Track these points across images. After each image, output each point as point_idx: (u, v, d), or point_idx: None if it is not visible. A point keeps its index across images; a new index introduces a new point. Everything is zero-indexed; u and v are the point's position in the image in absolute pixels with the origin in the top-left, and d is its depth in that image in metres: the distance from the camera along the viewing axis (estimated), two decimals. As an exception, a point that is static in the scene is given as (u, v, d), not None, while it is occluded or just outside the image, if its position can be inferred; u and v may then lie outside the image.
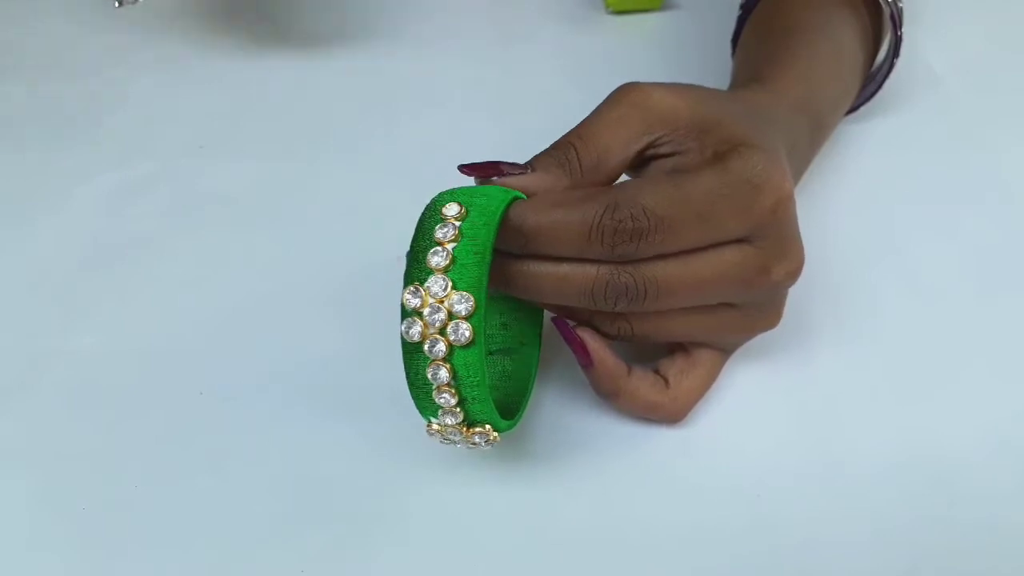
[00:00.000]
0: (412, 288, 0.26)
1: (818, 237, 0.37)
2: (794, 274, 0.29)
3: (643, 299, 0.28)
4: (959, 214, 0.40)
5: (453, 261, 0.26)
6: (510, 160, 0.29)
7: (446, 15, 0.54)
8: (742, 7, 0.42)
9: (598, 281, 0.28)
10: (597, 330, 0.30)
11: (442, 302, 0.26)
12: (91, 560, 0.30)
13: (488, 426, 0.27)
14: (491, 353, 0.33)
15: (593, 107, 0.30)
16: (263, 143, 0.46)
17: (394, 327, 0.35)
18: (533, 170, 0.29)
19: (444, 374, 0.26)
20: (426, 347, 0.26)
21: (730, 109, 0.30)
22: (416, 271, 0.26)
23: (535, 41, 0.51)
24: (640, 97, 0.29)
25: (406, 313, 0.26)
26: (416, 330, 0.26)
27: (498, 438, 0.28)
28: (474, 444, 0.28)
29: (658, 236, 0.27)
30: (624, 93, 0.30)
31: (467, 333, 0.25)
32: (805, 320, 0.35)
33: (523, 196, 0.28)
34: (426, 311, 0.26)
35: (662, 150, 0.29)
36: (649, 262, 0.28)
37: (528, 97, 0.47)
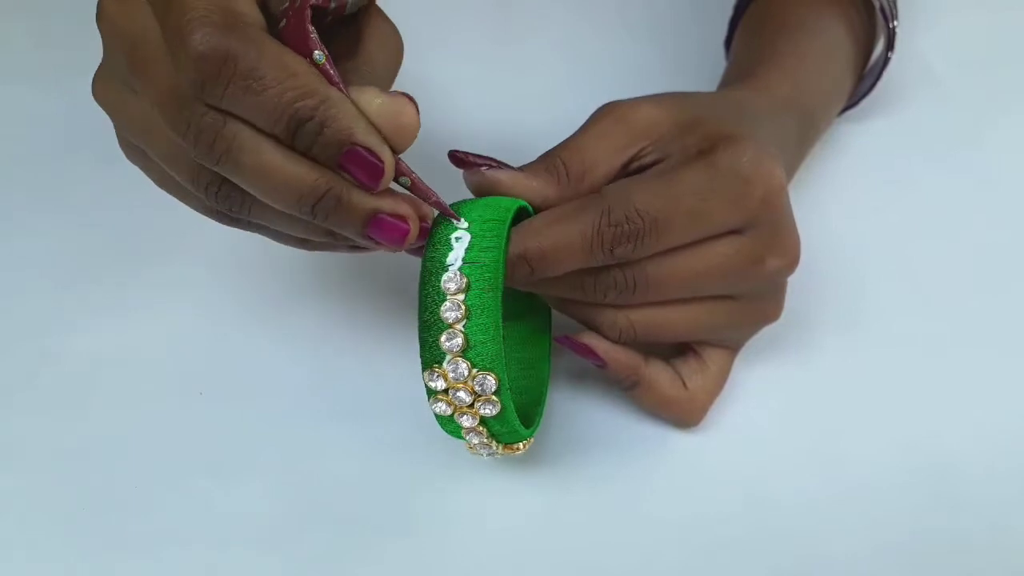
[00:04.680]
0: (430, 371, 0.25)
1: (820, 237, 0.37)
2: (791, 264, 0.29)
3: (632, 291, 0.28)
4: (961, 213, 0.40)
5: (467, 342, 0.25)
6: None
7: (446, 15, 0.54)
8: (734, 9, 0.42)
9: (587, 272, 0.28)
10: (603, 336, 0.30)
11: (464, 384, 0.25)
12: (91, 560, 0.30)
13: (521, 443, 0.28)
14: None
15: (592, 109, 0.30)
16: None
17: (396, 327, 0.35)
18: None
19: (478, 438, 0.27)
20: (456, 418, 0.26)
21: (711, 107, 0.30)
22: (430, 354, 0.25)
23: (535, 41, 0.51)
24: (621, 113, 0.29)
25: (431, 393, 0.26)
26: (445, 408, 0.26)
27: (531, 442, 0.28)
28: (513, 454, 0.29)
29: (653, 237, 0.27)
30: (605, 112, 0.30)
31: (495, 409, 0.26)
32: (809, 320, 0.35)
33: (523, 203, 0.28)
34: (450, 393, 0.26)
35: (647, 160, 0.29)
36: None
37: (528, 97, 0.47)
